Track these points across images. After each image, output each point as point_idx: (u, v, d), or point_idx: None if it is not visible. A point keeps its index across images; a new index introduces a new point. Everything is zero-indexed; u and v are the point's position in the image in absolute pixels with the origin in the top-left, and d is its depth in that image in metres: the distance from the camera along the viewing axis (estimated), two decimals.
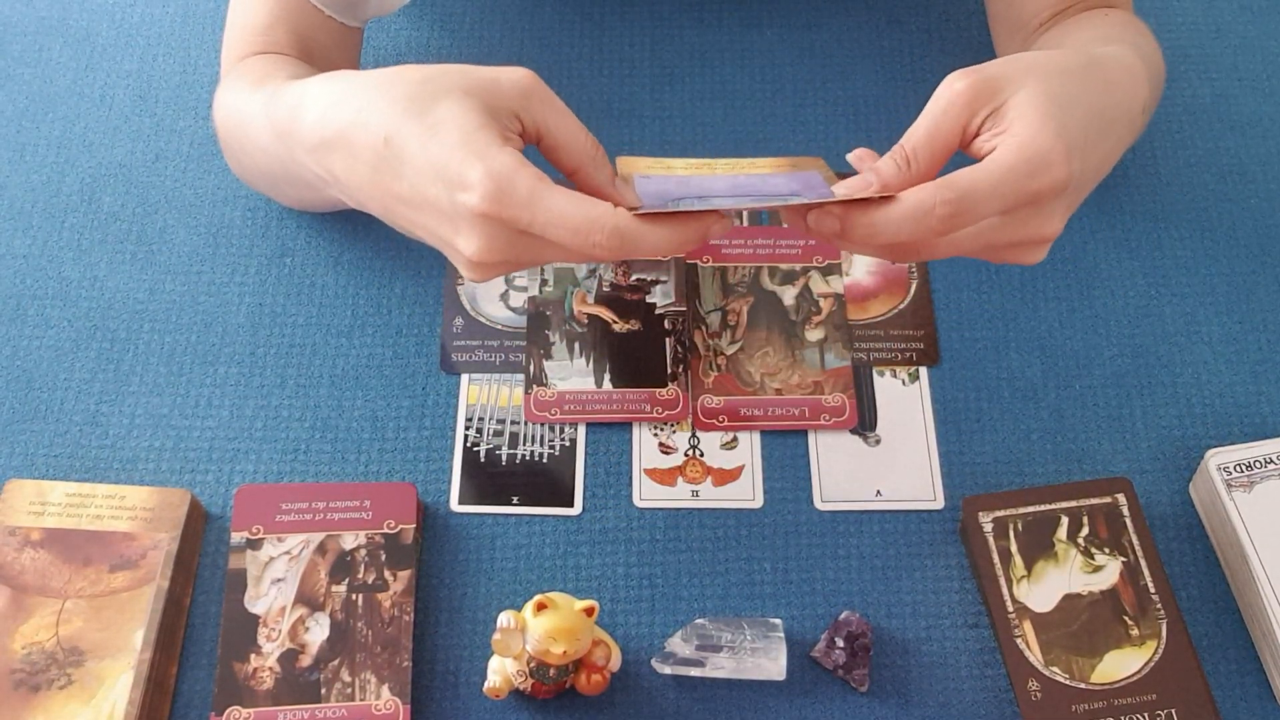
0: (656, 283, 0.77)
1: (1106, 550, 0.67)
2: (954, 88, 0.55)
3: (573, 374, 0.74)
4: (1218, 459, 0.69)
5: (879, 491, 0.71)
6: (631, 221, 0.51)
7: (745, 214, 0.80)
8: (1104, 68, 0.59)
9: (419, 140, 0.53)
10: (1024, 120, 0.54)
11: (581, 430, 0.73)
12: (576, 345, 0.75)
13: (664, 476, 0.72)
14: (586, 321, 0.76)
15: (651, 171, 0.59)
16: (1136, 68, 0.61)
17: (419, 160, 0.53)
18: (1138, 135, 0.64)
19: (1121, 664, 0.64)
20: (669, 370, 0.75)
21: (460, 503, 0.71)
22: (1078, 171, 0.54)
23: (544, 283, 0.77)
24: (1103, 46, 0.65)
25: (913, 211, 0.52)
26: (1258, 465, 0.68)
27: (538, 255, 0.54)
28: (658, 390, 0.74)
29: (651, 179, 0.58)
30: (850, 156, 0.58)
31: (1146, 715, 0.63)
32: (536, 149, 0.57)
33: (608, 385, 0.74)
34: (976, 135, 0.56)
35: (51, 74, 0.86)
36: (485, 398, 0.74)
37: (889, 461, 0.72)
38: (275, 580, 0.66)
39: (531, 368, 0.74)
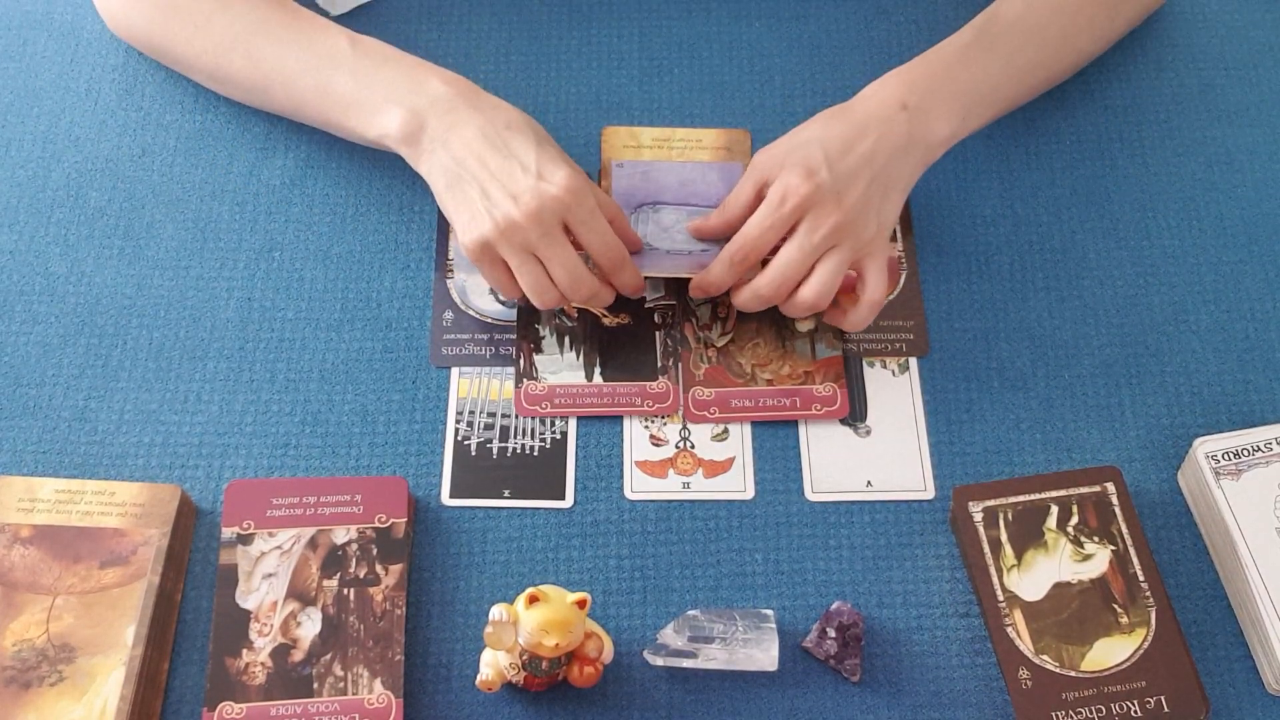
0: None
1: (1096, 539, 0.67)
2: (749, 165, 0.75)
3: (563, 368, 0.74)
4: (1206, 447, 0.69)
5: (869, 482, 0.72)
6: (605, 292, 0.72)
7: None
8: (850, 108, 0.74)
9: (536, 143, 0.70)
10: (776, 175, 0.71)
11: (572, 423, 0.73)
12: (567, 339, 0.75)
13: (655, 469, 0.72)
14: (576, 315, 0.76)
15: (625, 155, 0.80)
16: (885, 94, 0.73)
17: (526, 155, 0.69)
18: (911, 127, 0.72)
19: (1111, 652, 0.64)
20: (659, 364, 0.75)
21: (451, 496, 0.71)
22: (828, 178, 0.69)
23: None
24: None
25: (723, 259, 0.72)
26: (1245, 453, 0.69)
27: (524, 270, 0.69)
28: (648, 384, 0.74)
29: (624, 171, 0.78)
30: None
31: (1136, 702, 0.63)
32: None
33: (598, 379, 0.74)
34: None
35: (37, 68, 0.85)
36: (476, 391, 0.74)
37: (879, 452, 0.72)
38: (266, 575, 0.66)
39: (522, 362, 0.74)
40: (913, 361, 0.75)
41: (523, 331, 0.75)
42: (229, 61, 0.77)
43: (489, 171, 0.69)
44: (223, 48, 0.77)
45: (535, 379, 0.74)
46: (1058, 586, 0.66)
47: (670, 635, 0.65)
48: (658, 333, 0.76)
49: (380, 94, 0.72)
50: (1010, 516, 0.68)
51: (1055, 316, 0.77)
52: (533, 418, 0.73)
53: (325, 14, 0.77)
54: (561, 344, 0.75)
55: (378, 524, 0.67)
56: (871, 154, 0.70)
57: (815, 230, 0.69)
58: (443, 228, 0.79)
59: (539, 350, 0.75)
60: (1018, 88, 0.78)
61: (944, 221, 0.80)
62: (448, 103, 0.71)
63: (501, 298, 0.77)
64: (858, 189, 0.70)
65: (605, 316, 0.76)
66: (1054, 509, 0.68)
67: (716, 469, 0.72)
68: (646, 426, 0.73)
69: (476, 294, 0.77)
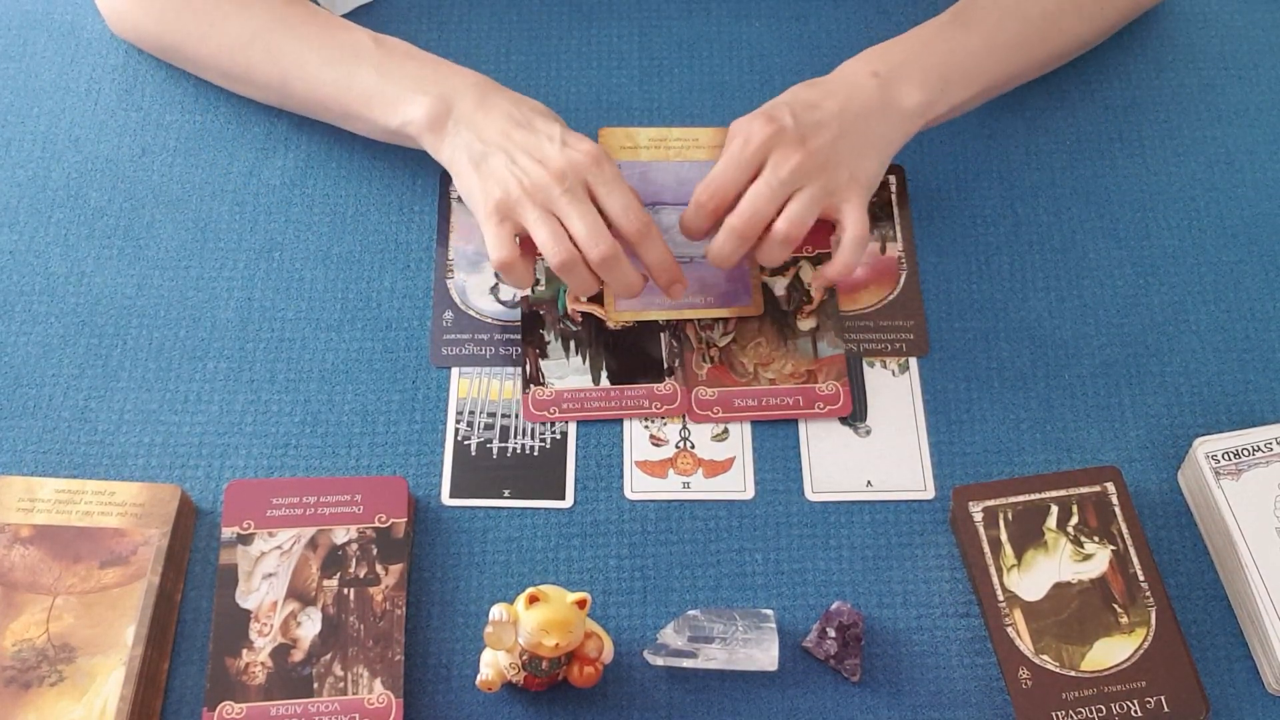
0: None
1: (1096, 539, 0.67)
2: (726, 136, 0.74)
3: (569, 372, 0.74)
4: (1206, 447, 0.69)
5: (869, 482, 0.72)
6: (622, 256, 0.69)
7: None
8: (822, 79, 0.75)
9: (558, 129, 0.71)
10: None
11: (572, 423, 0.73)
12: (572, 344, 0.75)
13: (655, 469, 0.72)
14: (580, 320, 0.76)
15: (622, 156, 0.81)
16: (856, 65, 0.76)
17: (551, 131, 0.71)
18: (883, 94, 0.74)
19: (1111, 652, 0.64)
20: (665, 365, 0.75)
21: (451, 496, 0.71)
22: (790, 122, 0.71)
23: (536, 283, 0.77)
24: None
25: (692, 204, 0.72)
26: (1245, 453, 0.69)
27: (540, 225, 0.69)
28: (655, 385, 0.74)
29: (622, 172, 0.73)
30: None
31: (1136, 702, 0.63)
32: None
33: (605, 383, 0.74)
34: None
35: (36, 68, 0.85)
36: (476, 391, 0.74)
37: (879, 452, 0.72)
38: (266, 575, 0.66)
39: (528, 367, 0.74)
40: (913, 361, 0.75)
41: (528, 338, 0.75)
42: (246, 58, 0.77)
43: (515, 143, 0.71)
44: (240, 44, 0.77)
45: (542, 384, 0.74)
46: (1058, 586, 0.66)
47: (670, 635, 0.65)
48: (661, 334, 0.76)
49: (406, 85, 0.74)
50: (1010, 516, 0.68)
51: (1055, 316, 0.77)
52: (542, 423, 0.73)
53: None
54: (567, 349, 0.75)
55: (378, 524, 0.67)
56: (840, 111, 0.72)
57: (780, 166, 0.70)
58: (443, 228, 0.79)
59: (545, 355, 0.75)
60: (1002, 64, 0.78)
61: (944, 221, 0.80)
62: (475, 89, 0.73)
63: (502, 296, 0.77)
64: (823, 137, 0.71)
65: (609, 319, 0.76)
66: (1054, 509, 0.68)
67: (716, 469, 0.72)
68: (646, 426, 0.73)
69: (476, 294, 0.77)
